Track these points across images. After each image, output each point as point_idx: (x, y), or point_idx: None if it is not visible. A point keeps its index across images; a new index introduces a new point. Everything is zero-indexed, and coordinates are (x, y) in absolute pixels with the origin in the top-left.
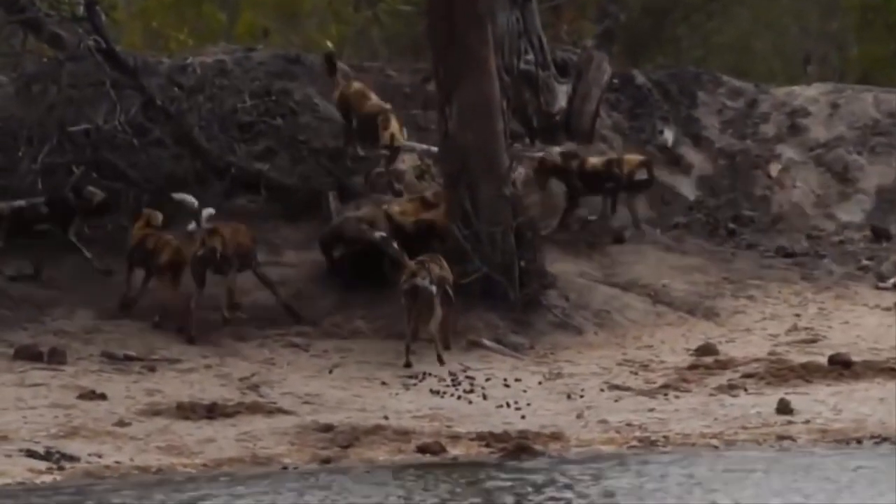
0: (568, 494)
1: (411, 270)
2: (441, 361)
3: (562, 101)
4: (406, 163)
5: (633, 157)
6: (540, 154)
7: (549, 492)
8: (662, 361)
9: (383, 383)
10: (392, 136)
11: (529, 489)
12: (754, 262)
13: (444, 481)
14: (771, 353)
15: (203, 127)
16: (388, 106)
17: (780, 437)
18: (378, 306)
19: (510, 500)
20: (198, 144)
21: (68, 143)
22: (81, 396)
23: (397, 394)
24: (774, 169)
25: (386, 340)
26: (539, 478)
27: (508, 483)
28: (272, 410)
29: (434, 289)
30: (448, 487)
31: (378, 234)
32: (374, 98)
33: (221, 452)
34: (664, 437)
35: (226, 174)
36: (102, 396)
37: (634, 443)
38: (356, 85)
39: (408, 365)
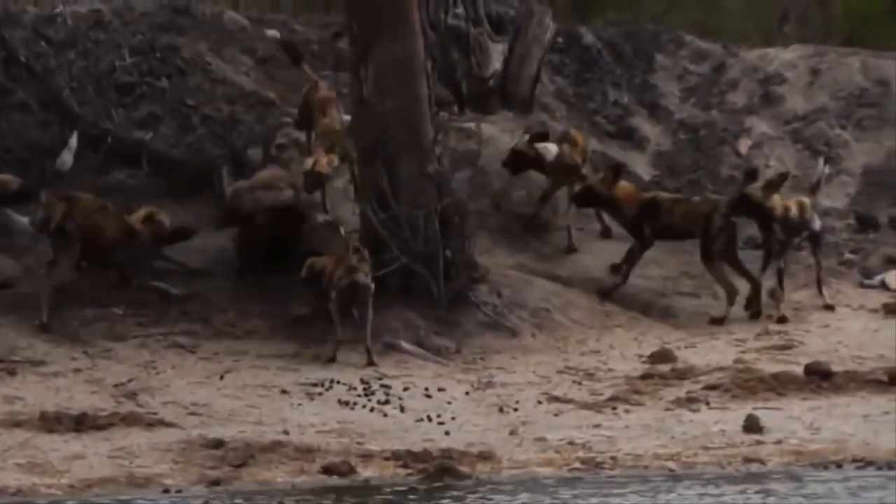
0: None
1: (351, 264)
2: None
3: (496, 63)
4: None
5: None
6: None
7: None
8: (611, 370)
9: (283, 392)
10: (315, 163)
11: None
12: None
13: None
14: (737, 361)
15: (74, 88)
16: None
17: (748, 460)
18: (279, 301)
19: None
20: (68, 109)
21: None
22: None
23: (299, 404)
24: (744, 145)
25: (287, 342)
26: None
27: None
28: (152, 423)
29: (373, 287)
30: None
31: (323, 217)
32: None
33: (92, 471)
34: (611, 458)
35: (101, 144)
36: None
37: (577, 464)
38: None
39: (332, 360)
